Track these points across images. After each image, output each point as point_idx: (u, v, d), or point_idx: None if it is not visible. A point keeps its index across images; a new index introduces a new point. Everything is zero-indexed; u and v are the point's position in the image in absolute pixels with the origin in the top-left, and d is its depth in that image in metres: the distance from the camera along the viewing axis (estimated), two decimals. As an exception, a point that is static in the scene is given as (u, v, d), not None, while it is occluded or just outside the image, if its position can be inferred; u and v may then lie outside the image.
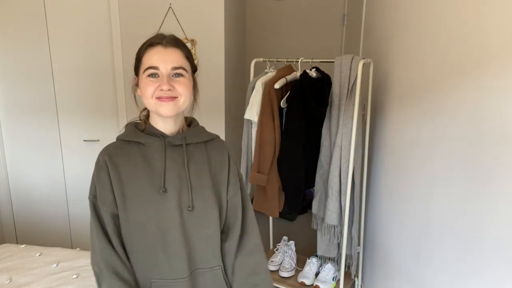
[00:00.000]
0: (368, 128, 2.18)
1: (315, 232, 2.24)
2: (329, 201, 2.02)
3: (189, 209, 1.02)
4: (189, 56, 1.05)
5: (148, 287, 1.04)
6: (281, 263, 2.39)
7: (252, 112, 2.08)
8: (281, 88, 2.03)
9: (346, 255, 2.14)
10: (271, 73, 2.14)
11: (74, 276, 1.80)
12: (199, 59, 2.55)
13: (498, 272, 0.98)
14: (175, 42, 1.02)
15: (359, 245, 2.28)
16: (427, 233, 1.42)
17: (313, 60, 2.05)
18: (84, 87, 2.72)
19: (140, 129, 1.08)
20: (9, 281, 1.76)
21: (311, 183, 2.18)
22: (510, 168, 0.93)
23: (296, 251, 2.46)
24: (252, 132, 2.16)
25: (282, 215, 2.27)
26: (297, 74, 2.10)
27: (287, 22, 3.47)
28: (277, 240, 2.58)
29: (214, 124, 2.63)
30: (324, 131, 2.05)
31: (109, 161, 1.03)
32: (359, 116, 1.92)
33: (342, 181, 1.98)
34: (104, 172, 1.03)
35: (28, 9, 2.60)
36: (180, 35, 1.05)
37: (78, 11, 2.60)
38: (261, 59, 2.21)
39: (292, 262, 2.38)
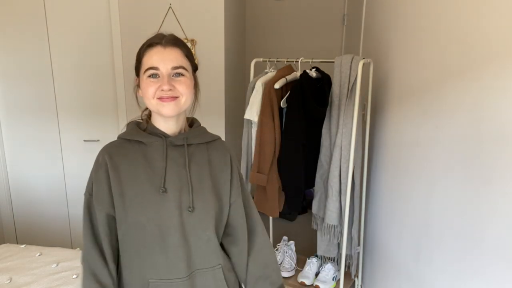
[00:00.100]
0: (368, 128, 2.18)
1: (315, 232, 2.24)
2: (329, 201, 2.02)
3: (190, 209, 1.02)
4: (189, 55, 1.05)
5: (146, 287, 1.03)
6: (281, 263, 2.39)
7: (252, 112, 2.08)
8: (281, 88, 2.03)
9: (346, 255, 2.14)
10: (271, 73, 2.14)
11: (74, 276, 1.80)
12: (199, 59, 2.55)
13: (498, 272, 0.98)
14: (174, 42, 1.02)
15: (359, 245, 2.28)
16: (427, 233, 1.42)
17: (313, 60, 2.05)
18: (84, 87, 2.72)
19: (142, 129, 1.08)
20: (9, 281, 1.76)
21: (311, 183, 2.18)
22: (510, 168, 0.93)
23: (296, 251, 2.46)
24: (252, 132, 2.16)
25: (282, 215, 2.27)
26: (297, 74, 2.10)
27: (287, 22, 3.47)
28: (277, 240, 2.58)
29: (214, 124, 2.63)
30: (324, 131, 2.05)
31: (109, 160, 1.02)
32: (359, 116, 1.92)
33: (342, 181, 1.98)
34: (103, 171, 1.02)
35: (28, 9, 2.60)
36: (180, 35, 1.05)
37: (78, 11, 2.60)
38: (261, 59, 2.21)
39: (292, 262, 2.38)
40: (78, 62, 2.68)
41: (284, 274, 2.32)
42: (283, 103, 2.07)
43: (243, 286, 1.19)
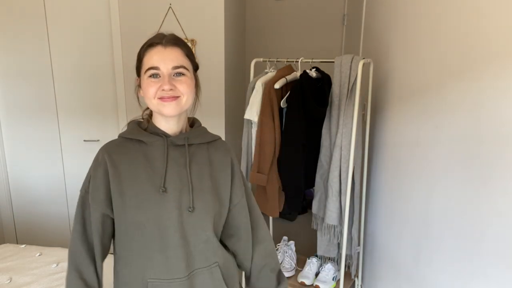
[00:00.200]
0: (368, 128, 2.18)
1: (315, 232, 2.24)
2: (329, 201, 2.02)
3: (190, 209, 1.02)
4: (189, 54, 1.05)
5: (145, 287, 1.03)
6: (281, 263, 2.39)
7: (252, 112, 2.08)
8: (281, 88, 2.03)
9: (346, 255, 2.14)
10: (271, 73, 2.14)
11: (74, 276, 1.80)
12: (199, 59, 2.54)
13: (498, 272, 0.98)
14: (174, 41, 1.02)
15: (359, 245, 2.28)
16: (427, 233, 1.43)
17: (313, 60, 2.05)
18: (84, 87, 2.73)
19: (143, 128, 1.08)
20: (9, 281, 1.76)
21: (311, 183, 2.18)
22: (510, 168, 0.93)
23: (296, 251, 2.46)
24: (252, 132, 2.16)
25: (282, 215, 2.27)
26: (297, 74, 2.10)
27: (287, 22, 3.47)
28: (277, 240, 2.57)
29: (214, 124, 2.63)
30: (324, 131, 2.05)
31: (109, 158, 1.02)
32: (359, 116, 1.92)
33: (342, 181, 1.98)
34: (102, 169, 1.02)
35: (28, 9, 2.60)
36: (180, 35, 1.05)
37: (78, 11, 2.60)
38: (261, 59, 2.21)
39: (292, 262, 2.38)
40: (78, 62, 2.68)
41: (284, 274, 2.32)
42: (283, 103, 2.07)
43: (243, 280, 1.21)
